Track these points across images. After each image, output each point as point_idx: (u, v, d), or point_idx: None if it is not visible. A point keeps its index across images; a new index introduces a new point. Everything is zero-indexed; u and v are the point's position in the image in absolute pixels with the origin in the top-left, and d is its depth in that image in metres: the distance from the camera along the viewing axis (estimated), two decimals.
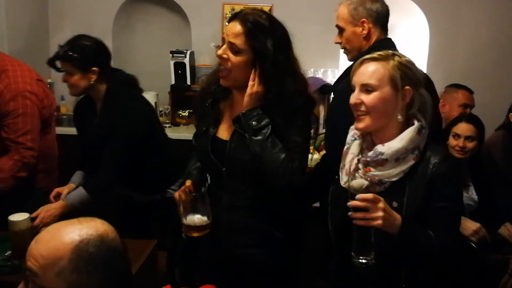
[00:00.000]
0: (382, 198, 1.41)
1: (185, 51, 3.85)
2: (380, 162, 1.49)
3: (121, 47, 4.14)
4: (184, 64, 3.84)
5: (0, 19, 3.44)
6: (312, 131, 1.83)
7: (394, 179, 1.49)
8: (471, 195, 2.45)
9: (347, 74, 1.64)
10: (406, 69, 1.51)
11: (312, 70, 3.67)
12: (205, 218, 1.63)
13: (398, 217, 1.43)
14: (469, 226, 2.28)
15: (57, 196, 2.27)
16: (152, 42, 4.18)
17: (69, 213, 2.15)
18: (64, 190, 2.29)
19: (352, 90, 1.54)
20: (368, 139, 1.58)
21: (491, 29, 3.73)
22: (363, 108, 1.50)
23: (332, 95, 3.48)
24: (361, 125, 1.52)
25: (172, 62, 3.86)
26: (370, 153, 1.51)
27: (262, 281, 1.76)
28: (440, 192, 1.48)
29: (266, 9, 3.73)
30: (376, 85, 1.49)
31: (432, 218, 1.49)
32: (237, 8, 3.74)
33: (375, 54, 1.53)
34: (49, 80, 3.43)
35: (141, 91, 2.46)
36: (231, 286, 1.50)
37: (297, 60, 1.70)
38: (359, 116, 1.52)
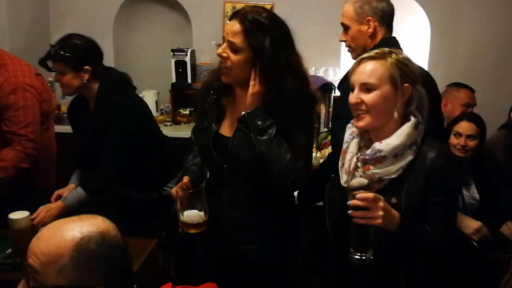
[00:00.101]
0: (382, 197, 1.41)
1: (186, 50, 3.84)
2: (379, 160, 1.49)
3: (122, 46, 4.14)
4: (185, 62, 3.84)
5: (1, 18, 3.44)
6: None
7: (393, 176, 1.49)
8: (472, 193, 2.45)
9: None
10: (404, 66, 1.51)
11: (313, 68, 3.66)
12: (202, 215, 1.63)
13: (396, 214, 1.44)
14: (471, 224, 2.28)
15: (58, 199, 2.26)
16: (153, 41, 4.18)
17: (68, 213, 2.15)
18: (65, 191, 2.29)
19: (351, 89, 1.54)
20: (366, 137, 1.58)
21: (491, 29, 3.72)
22: (363, 107, 1.50)
23: (333, 94, 3.51)
24: (361, 123, 1.52)
25: (173, 61, 3.85)
26: (368, 151, 1.51)
27: (260, 276, 1.77)
28: (438, 187, 1.49)
29: (268, 7, 3.72)
30: (375, 84, 1.49)
31: (429, 213, 1.50)
32: (238, 7, 3.72)
33: (372, 53, 1.54)
34: (49, 79, 3.42)
35: (134, 89, 2.45)
36: (229, 282, 1.51)
37: (300, 57, 1.70)
38: (360, 115, 1.52)
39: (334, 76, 3.74)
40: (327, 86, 3.48)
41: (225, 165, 1.72)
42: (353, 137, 1.59)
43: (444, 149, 1.55)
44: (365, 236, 1.42)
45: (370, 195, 1.40)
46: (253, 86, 1.63)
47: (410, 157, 1.50)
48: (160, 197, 2.45)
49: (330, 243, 1.64)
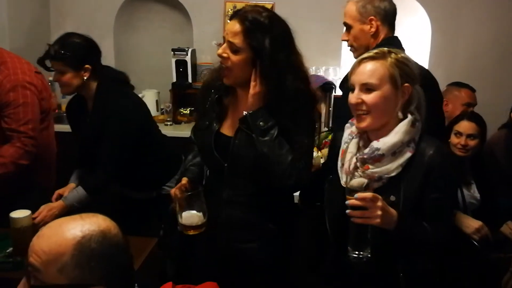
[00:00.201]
0: (380, 197, 1.41)
1: (186, 49, 3.84)
2: (377, 158, 1.49)
3: (123, 45, 4.14)
4: (185, 62, 3.83)
5: (2, 18, 3.43)
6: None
7: (392, 174, 1.50)
8: (473, 193, 2.45)
9: None
10: (404, 66, 1.52)
11: (313, 68, 3.66)
12: (201, 217, 1.63)
13: (394, 213, 1.44)
14: (471, 224, 2.28)
15: (59, 199, 2.26)
16: (153, 40, 4.18)
17: (69, 213, 2.14)
18: (65, 191, 2.29)
19: (350, 89, 1.54)
20: (365, 137, 1.58)
21: (492, 28, 3.72)
22: (364, 107, 1.50)
23: (334, 93, 3.50)
24: (363, 124, 1.52)
25: (173, 60, 3.85)
26: (366, 150, 1.52)
27: (260, 276, 1.77)
28: (435, 183, 1.49)
29: (268, 6, 3.72)
30: (376, 84, 1.49)
31: (427, 209, 1.50)
32: (239, 6, 3.72)
33: (372, 53, 1.54)
34: (50, 78, 3.42)
35: (132, 88, 2.44)
36: (228, 282, 1.51)
37: (300, 56, 1.69)
38: (360, 116, 1.52)
39: (335, 76, 3.74)
40: (328, 86, 3.48)
41: (226, 165, 1.72)
42: (352, 137, 1.59)
43: (442, 146, 1.55)
44: (363, 235, 1.43)
45: (368, 194, 1.40)
46: (254, 87, 1.63)
47: (409, 154, 1.50)
48: (159, 196, 2.45)
49: (330, 243, 1.64)
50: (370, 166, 1.50)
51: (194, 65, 3.90)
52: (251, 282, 1.78)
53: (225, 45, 1.65)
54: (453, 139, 2.46)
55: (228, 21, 1.70)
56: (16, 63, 2.36)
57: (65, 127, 2.60)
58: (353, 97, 1.52)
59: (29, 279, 1.00)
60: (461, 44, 3.79)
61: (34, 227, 1.91)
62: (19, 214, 1.90)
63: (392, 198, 1.48)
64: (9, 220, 1.90)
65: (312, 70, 3.66)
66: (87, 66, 2.21)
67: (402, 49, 2.11)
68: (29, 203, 2.08)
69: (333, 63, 3.82)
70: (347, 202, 1.42)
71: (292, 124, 1.64)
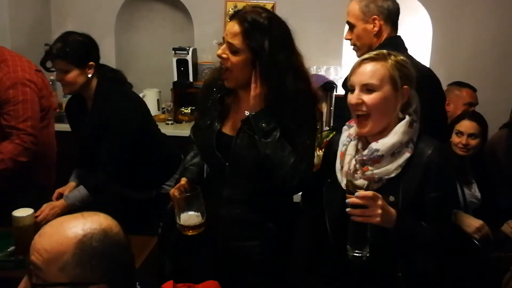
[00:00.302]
0: (380, 196, 1.41)
1: (187, 48, 3.84)
2: (376, 159, 1.50)
3: (124, 45, 4.14)
4: (186, 61, 3.83)
5: (3, 17, 3.44)
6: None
7: (392, 175, 1.50)
8: (474, 192, 2.46)
9: None
10: (403, 68, 1.52)
11: (314, 67, 3.66)
12: (199, 217, 1.63)
13: (393, 212, 1.44)
14: (472, 223, 2.28)
15: (59, 197, 2.26)
16: (154, 40, 4.18)
17: (70, 212, 2.14)
18: (66, 190, 2.29)
19: (350, 90, 1.54)
20: (363, 139, 1.58)
21: (493, 28, 3.72)
22: (364, 108, 1.50)
23: (335, 92, 3.50)
24: (365, 129, 1.52)
25: (174, 59, 3.85)
26: (365, 152, 1.52)
27: (259, 274, 1.77)
28: (435, 182, 1.49)
29: (269, 6, 3.72)
30: (377, 85, 1.49)
31: (427, 208, 1.50)
32: (240, 5, 3.73)
33: (372, 54, 1.54)
34: (51, 77, 3.43)
35: (130, 86, 2.44)
36: (227, 280, 1.51)
37: (300, 56, 1.69)
38: (362, 121, 1.52)
39: (336, 75, 3.74)
40: (329, 85, 3.48)
41: (227, 164, 1.72)
42: (350, 140, 1.59)
43: (440, 145, 1.56)
44: (362, 234, 1.43)
45: (369, 193, 1.40)
46: (255, 89, 1.63)
47: (408, 155, 1.50)
48: (159, 195, 2.45)
49: (330, 243, 1.64)
50: (370, 168, 1.50)
51: (195, 64, 3.90)
52: (250, 282, 1.78)
53: (224, 46, 1.65)
54: (454, 139, 2.47)
55: (228, 21, 1.70)
56: (17, 61, 2.36)
57: (66, 126, 2.60)
58: (353, 98, 1.52)
59: (30, 277, 1.00)
60: (462, 43, 3.79)
61: (36, 226, 1.91)
62: (22, 212, 1.90)
63: (391, 198, 1.49)
64: (9, 219, 1.90)
65: (313, 70, 3.66)
66: (91, 63, 2.22)
67: (405, 49, 2.12)
68: (29, 202, 2.07)
69: (334, 62, 3.82)
70: (347, 200, 1.42)
71: (293, 125, 1.65)
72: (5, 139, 2.29)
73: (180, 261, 1.92)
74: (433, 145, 1.52)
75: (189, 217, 1.64)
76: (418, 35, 3.78)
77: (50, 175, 2.59)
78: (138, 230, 2.29)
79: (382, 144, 1.50)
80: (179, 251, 1.92)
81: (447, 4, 3.75)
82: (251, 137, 1.66)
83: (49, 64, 2.23)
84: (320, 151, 3.07)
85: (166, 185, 2.45)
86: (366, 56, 1.55)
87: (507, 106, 2.83)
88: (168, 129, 3.51)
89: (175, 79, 3.90)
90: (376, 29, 2.11)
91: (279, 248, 1.77)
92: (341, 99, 2.13)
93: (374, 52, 1.55)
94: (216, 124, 1.75)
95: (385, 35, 2.12)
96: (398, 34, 2.20)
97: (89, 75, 2.22)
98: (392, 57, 1.52)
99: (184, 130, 3.59)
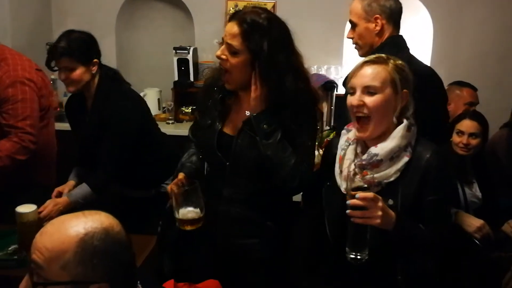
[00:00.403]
0: (381, 198, 1.42)
1: (188, 48, 3.84)
2: (376, 164, 1.50)
3: (124, 44, 4.14)
4: (187, 60, 3.84)
5: (4, 17, 3.44)
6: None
7: (391, 179, 1.50)
8: (475, 192, 2.45)
9: None
10: (403, 72, 1.53)
11: (315, 67, 3.67)
12: (198, 212, 1.63)
13: (393, 214, 1.45)
14: (473, 223, 2.28)
15: (58, 196, 2.26)
16: (155, 39, 4.18)
17: (72, 210, 2.14)
18: (65, 188, 2.29)
19: (350, 92, 1.54)
20: (362, 144, 1.58)
21: (494, 28, 3.72)
22: (365, 110, 1.51)
23: (336, 92, 3.50)
24: (366, 134, 1.53)
25: (175, 59, 3.86)
26: (365, 156, 1.53)
27: (258, 273, 1.77)
28: (433, 186, 1.50)
29: (270, 5, 3.73)
30: (378, 87, 1.49)
31: (425, 211, 1.51)
32: (240, 5, 3.74)
33: (372, 57, 1.55)
34: (52, 77, 3.43)
35: (128, 85, 2.44)
36: (227, 278, 1.51)
37: (300, 57, 1.69)
38: (362, 125, 1.52)
39: (336, 74, 3.74)
40: (329, 84, 3.48)
41: (228, 163, 1.72)
42: (349, 144, 1.60)
43: (438, 149, 1.56)
44: (361, 236, 1.43)
45: (369, 194, 1.41)
46: (255, 90, 1.63)
47: (406, 159, 1.51)
48: (158, 194, 2.45)
49: (330, 244, 1.64)
50: (369, 172, 1.50)
51: (195, 64, 3.91)
52: (250, 281, 1.78)
53: (223, 46, 1.65)
54: (455, 138, 2.47)
55: (228, 21, 1.70)
56: (17, 59, 2.36)
57: (66, 126, 2.60)
58: (354, 99, 1.52)
59: (32, 276, 1.00)
60: (463, 43, 3.79)
61: (40, 222, 1.91)
62: (26, 208, 1.90)
63: (390, 201, 1.49)
64: (10, 218, 1.91)
65: (313, 69, 3.66)
66: (95, 60, 2.22)
67: (407, 48, 2.12)
68: (29, 202, 2.07)
69: (334, 62, 3.82)
70: (348, 202, 1.42)
71: (294, 125, 1.65)
72: (4, 138, 2.29)
73: (180, 260, 1.92)
74: (431, 149, 1.53)
75: (188, 212, 1.63)
76: (418, 34, 3.78)
77: (50, 174, 2.59)
78: (137, 229, 2.28)
79: (381, 149, 1.50)
80: (178, 249, 1.92)
81: (448, 4, 3.75)
82: (252, 138, 1.66)
83: (52, 63, 2.23)
84: (321, 150, 3.07)
85: (166, 184, 2.44)
86: (366, 59, 1.56)
87: (508, 105, 2.83)
88: (169, 129, 3.51)
89: (176, 78, 3.90)
90: (378, 28, 2.11)
91: (279, 248, 1.77)
92: (342, 99, 2.14)
93: (374, 56, 1.56)
94: (217, 124, 1.75)
95: (387, 34, 2.12)
96: (400, 33, 2.20)
97: (93, 72, 2.23)
98: (392, 61, 1.53)
99: (184, 130, 3.55)
